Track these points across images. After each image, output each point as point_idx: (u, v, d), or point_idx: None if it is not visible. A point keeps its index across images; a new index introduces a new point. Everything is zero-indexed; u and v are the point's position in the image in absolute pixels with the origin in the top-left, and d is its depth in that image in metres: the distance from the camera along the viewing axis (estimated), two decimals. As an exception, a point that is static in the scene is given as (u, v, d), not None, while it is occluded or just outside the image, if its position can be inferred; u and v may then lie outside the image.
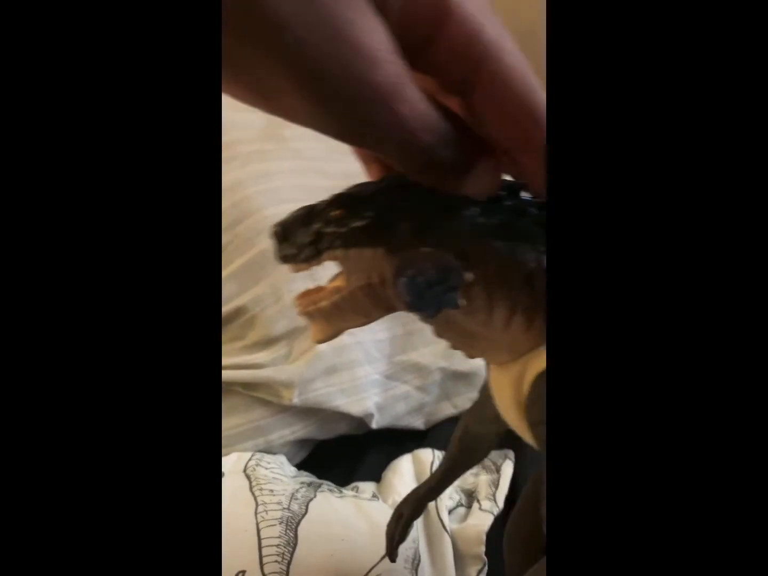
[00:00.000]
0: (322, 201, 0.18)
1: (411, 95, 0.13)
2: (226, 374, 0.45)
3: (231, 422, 0.45)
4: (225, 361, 0.46)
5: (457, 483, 0.44)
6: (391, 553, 0.31)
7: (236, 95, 0.15)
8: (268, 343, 0.47)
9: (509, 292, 0.18)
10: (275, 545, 0.33)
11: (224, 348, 0.47)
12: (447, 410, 0.51)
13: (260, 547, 0.33)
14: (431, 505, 0.41)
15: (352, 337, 0.48)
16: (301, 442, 0.48)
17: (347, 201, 0.18)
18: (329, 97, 0.13)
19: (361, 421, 0.48)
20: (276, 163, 0.55)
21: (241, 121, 0.59)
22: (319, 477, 0.45)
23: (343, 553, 0.34)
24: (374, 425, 0.48)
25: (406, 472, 0.45)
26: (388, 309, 0.18)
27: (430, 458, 0.46)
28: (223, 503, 0.36)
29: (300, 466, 0.47)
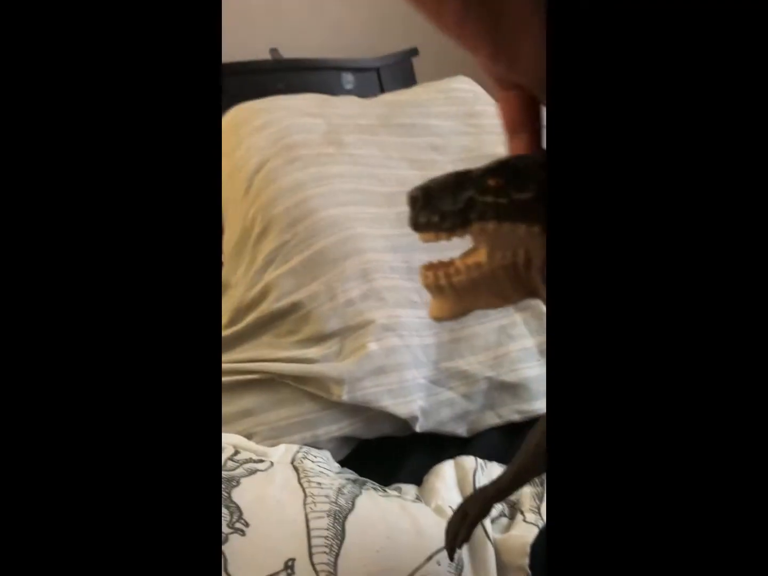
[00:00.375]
0: (478, 168, 0.17)
1: None
2: (278, 366, 0.47)
3: (281, 414, 0.46)
4: (278, 354, 0.48)
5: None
6: (452, 551, 0.30)
7: None
8: (320, 339, 0.48)
9: None
10: (324, 536, 0.34)
11: (278, 341, 0.49)
12: (491, 420, 0.51)
13: (309, 537, 0.34)
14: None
15: (402, 340, 0.49)
16: (345, 440, 0.49)
17: (508, 171, 0.17)
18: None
19: (405, 423, 0.49)
20: (335, 168, 0.56)
21: (305, 125, 0.61)
22: (361, 475, 0.45)
23: (389, 551, 0.35)
24: (418, 428, 0.49)
25: (449, 478, 0.45)
26: (529, 293, 0.17)
27: (473, 466, 0.46)
28: (272, 492, 0.37)
29: (342, 463, 0.48)
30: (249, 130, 0.60)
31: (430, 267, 0.18)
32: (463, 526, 0.29)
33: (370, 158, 0.59)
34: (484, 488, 0.30)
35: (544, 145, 0.18)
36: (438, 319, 0.19)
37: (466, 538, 0.30)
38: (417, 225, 0.18)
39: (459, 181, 0.17)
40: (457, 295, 0.18)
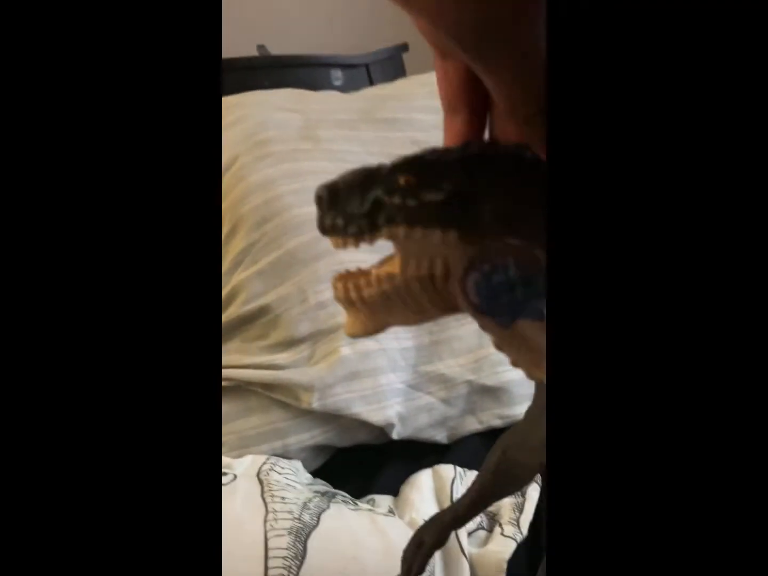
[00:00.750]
0: (386, 164, 0.15)
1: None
2: (246, 373, 0.45)
3: (249, 423, 0.44)
4: (246, 360, 0.46)
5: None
6: None
7: None
8: (290, 344, 0.46)
9: None
10: (282, 557, 0.32)
11: (246, 347, 0.46)
12: (472, 425, 0.49)
13: (266, 558, 0.32)
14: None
15: (377, 344, 0.46)
16: (320, 449, 0.47)
17: (420, 167, 0.15)
18: None
19: (381, 431, 0.46)
20: (309, 164, 0.54)
21: (280, 120, 0.58)
22: (335, 486, 0.43)
23: (352, 572, 0.33)
24: (395, 435, 0.47)
25: (426, 488, 0.43)
26: (448, 309, 0.15)
27: (451, 475, 0.44)
28: (233, 508, 0.35)
29: (316, 473, 0.46)
30: (222, 125, 0.58)
31: (341, 278, 0.16)
32: (417, 555, 0.27)
33: (348, 154, 0.56)
34: (441, 514, 0.28)
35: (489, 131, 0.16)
36: (351, 335, 0.17)
37: (421, 569, 0.28)
38: (323, 228, 0.16)
39: (367, 178, 0.15)
40: (369, 309, 0.16)
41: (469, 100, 0.16)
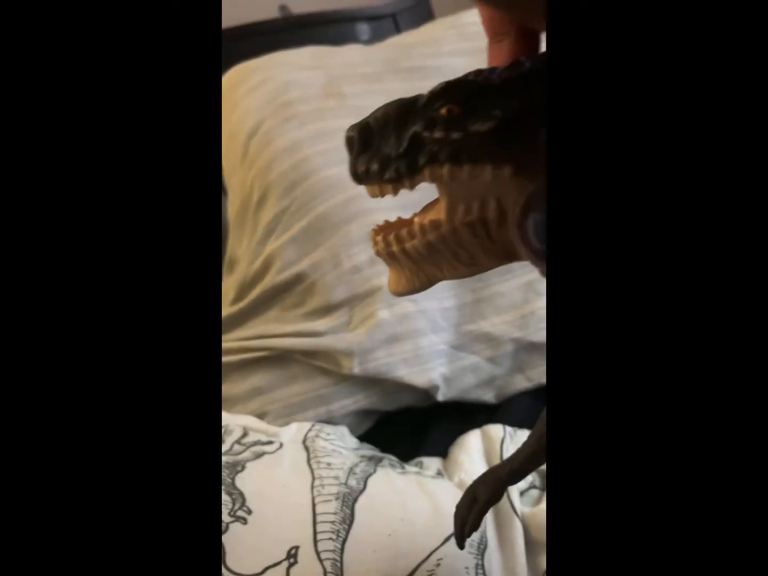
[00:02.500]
0: (424, 94, 0.13)
1: None
2: (286, 342, 0.44)
3: (292, 391, 0.44)
4: (285, 328, 0.45)
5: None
6: (461, 540, 0.27)
7: None
8: (327, 310, 0.45)
9: None
10: (330, 521, 0.32)
11: (284, 315, 0.46)
12: (521, 384, 0.47)
13: (315, 523, 0.32)
14: (502, 486, 0.38)
15: (415, 305, 0.45)
16: (365, 413, 0.47)
17: (464, 92, 0.13)
18: None
19: (426, 393, 0.45)
20: (335, 122, 0.52)
21: (302, 79, 0.56)
22: (383, 450, 0.43)
23: (401, 534, 0.32)
24: (440, 397, 0.46)
25: (474, 449, 0.42)
26: (505, 257, 0.14)
27: (500, 435, 0.43)
28: (279, 476, 0.35)
29: (364, 437, 0.45)
30: (244, 91, 0.56)
31: (380, 230, 0.15)
32: (471, 512, 0.26)
33: (374, 109, 0.54)
34: (495, 470, 0.27)
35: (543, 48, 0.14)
36: (396, 293, 0.15)
37: (476, 526, 0.26)
38: (356, 175, 0.14)
39: (402, 112, 0.13)
40: (414, 263, 0.14)
41: (512, 24, 0.14)
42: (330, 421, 0.44)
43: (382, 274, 0.45)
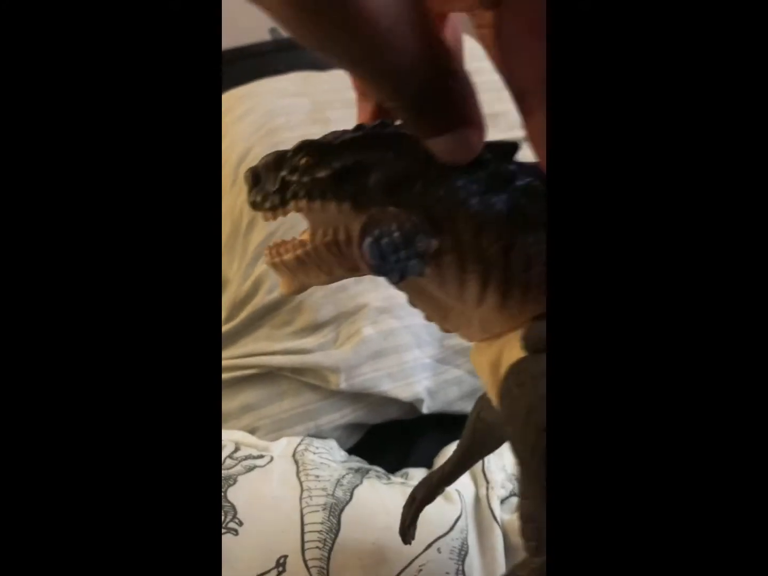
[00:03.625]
0: (292, 148, 0.18)
1: (404, 27, 0.12)
2: (276, 359, 0.46)
3: (282, 407, 0.46)
4: (274, 346, 0.47)
5: (510, 471, 0.42)
6: (404, 535, 0.31)
7: None
8: (315, 328, 0.47)
9: (482, 265, 0.17)
10: (317, 531, 0.34)
11: (274, 333, 0.48)
12: (502, 395, 0.49)
13: (303, 533, 0.33)
14: (482, 494, 0.39)
15: (400, 321, 0.47)
16: (353, 426, 0.48)
17: (316, 148, 0.17)
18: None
19: (411, 406, 0.47)
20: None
21: (288, 106, 0.59)
22: (371, 462, 0.45)
23: (386, 541, 0.34)
24: (425, 410, 0.47)
25: (457, 459, 0.44)
26: (353, 269, 0.18)
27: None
28: (269, 489, 0.36)
29: (353, 450, 0.47)
30: (232, 119, 0.58)
31: (273, 246, 0.19)
32: (410, 511, 0.30)
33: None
34: (431, 475, 0.31)
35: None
36: (284, 294, 0.20)
37: (412, 522, 0.30)
38: (251, 204, 0.19)
39: (277, 160, 0.18)
40: (290, 271, 0.18)
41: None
42: (319, 435, 0.46)
43: (368, 292, 0.47)
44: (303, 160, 0.17)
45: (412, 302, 0.20)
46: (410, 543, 0.31)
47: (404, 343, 0.47)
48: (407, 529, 0.30)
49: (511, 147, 0.17)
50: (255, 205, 0.18)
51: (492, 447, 0.29)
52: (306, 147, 0.18)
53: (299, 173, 0.17)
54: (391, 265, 0.16)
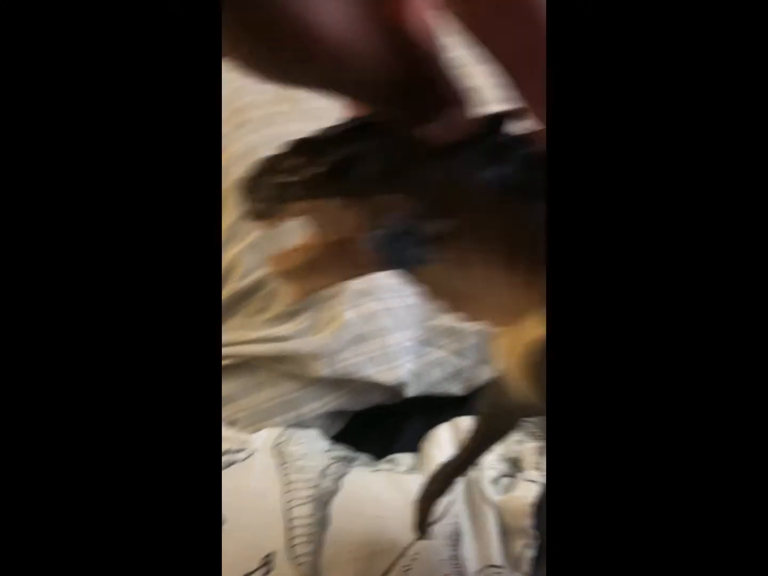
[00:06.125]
0: (281, 150, 0.17)
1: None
2: (252, 348, 0.44)
3: (260, 397, 0.44)
4: (249, 335, 0.45)
5: (500, 451, 0.42)
6: (423, 530, 0.30)
7: None
8: (291, 314, 0.45)
9: (499, 244, 0.16)
10: (306, 525, 0.32)
11: (248, 321, 0.46)
12: (487, 374, 0.48)
13: (290, 528, 0.32)
14: (473, 476, 0.39)
15: (380, 303, 0.45)
16: (336, 414, 0.47)
17: (309, 146, 0.16)
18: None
19: (394, 390, 0.46)
20: (288, 126, 0.52)
21: (255, 86, 0.56)
22: (357, 449, 0.43)
23: (377, 531, 0.33)
24: (409, 393, 0.46)
25: (445, 442, 0.43)
26: (360, 267, 0.17)
27: (470, 426, 0.43)
28: (252, 482, 0.35)
29: (337, 438, 0.46)
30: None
31: (276, 255, 0.18)
32: (424, 504, 0.29)
33: (326, 110, 0.53)
34: (446, 464, 0.30)
35: None
36: (291, 301, 0.20)
37: (432, 514, 0.30)
38: (248, 216, 0.17)
39: (272, 163, 0.17)
40: (298, 278, 0.18)
41: None
42: (301, 424, 0.44)
43: (345, 275, 0.45)
44: (299, 159, 0.16)
45: (432, 296, 0.19)
46: (426, 538, 0.30)
47: (386, 326, 0.45)
48: (424, 523, 0.30)
49: (499, 119, 0.17)
50: (254, 216, 0.17)
51: (504, 432, 0.29)
52: (300, 145, 0.17)
53: (297, 173, 0.16)
54: (395, 256, 0.16)
